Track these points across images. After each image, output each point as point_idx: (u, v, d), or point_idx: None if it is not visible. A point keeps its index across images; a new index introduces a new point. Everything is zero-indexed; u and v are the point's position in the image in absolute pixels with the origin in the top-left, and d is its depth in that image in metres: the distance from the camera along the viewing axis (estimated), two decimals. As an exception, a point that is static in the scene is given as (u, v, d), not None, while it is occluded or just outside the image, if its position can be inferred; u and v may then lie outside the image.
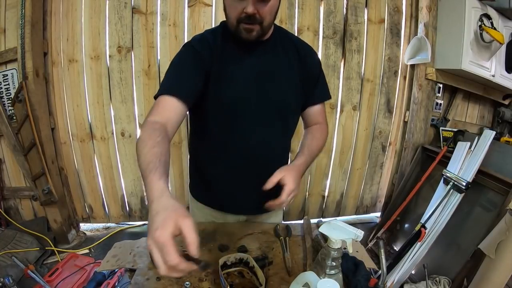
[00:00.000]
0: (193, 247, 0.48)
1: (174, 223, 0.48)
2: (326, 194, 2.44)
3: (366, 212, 2.60)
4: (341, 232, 0.66)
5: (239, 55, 0.88)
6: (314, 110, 1.01)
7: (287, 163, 1.06)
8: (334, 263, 0.66)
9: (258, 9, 0.76)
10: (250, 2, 0.74)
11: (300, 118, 1.06)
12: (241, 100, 0.88)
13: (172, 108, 0.78)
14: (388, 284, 1.66)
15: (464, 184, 1.60)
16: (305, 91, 0.96)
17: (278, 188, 0.82)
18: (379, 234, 2.02)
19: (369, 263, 0.86)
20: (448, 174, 1.71)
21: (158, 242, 0.47)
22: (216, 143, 0.95)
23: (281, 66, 0.92)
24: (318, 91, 0.99)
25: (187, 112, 0.86)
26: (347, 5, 2.06)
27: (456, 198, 1.65)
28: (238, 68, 0.87)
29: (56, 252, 1.96)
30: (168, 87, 0.81)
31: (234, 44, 0.87)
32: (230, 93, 0.87)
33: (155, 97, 0.80)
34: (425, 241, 1.65)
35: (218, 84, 0.86)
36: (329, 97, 1.04)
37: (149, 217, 0.52)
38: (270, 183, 0.79)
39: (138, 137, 0.71)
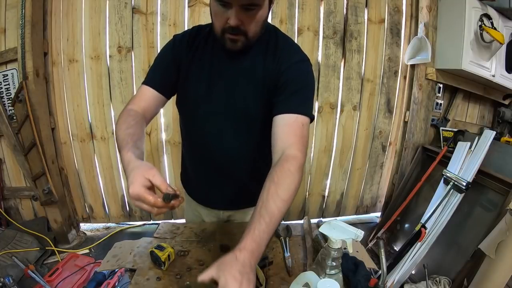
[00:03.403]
0: (164, 186, 0.59)
1: (142, 176, 0.58)
2: (326, 194, 2.44)
3: (366, 212, 2.60)
4: (341, 232, 0.66)
5: (217, 56, 0.86)
6: (284, 126, 0.76)
7: (264, 167, 0.79)
8: (334, 263, 0.66)
9: (242, 20, 0.72)
10: (234, 14, 0.70)
11: None
12: (202, 101, 0.87)
13: (147, 97, 0.86)
14: (388, 284, 1.65)
15: (464, 184, 1.60)
16: (272, 97, 0.83)
17: (251, 188, 0.84)
18: (379, 234, 2.02)
19: (369, 263, 0.86)
20: (448, 174, 1.71)
21: (134, 196, 0.57)
22: (186, 139, 1.02)
23: (254, 71, 0.84)
24: (292, 100, 0.79)
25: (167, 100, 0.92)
26: (347, 5, 2.06)
27: (456, 198, 1.65)
28: (207, 68, 0.86)
29: (56, 252, 1.96)
30: (148, 77, 0.89)
31: (216, 43, 0.85)
32: (192, 92, 0.88)
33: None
34: (425, 241, 1.65)
35: (186, 81, 0.88)
36: (307, 112, 0.78)
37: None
38: (200, 278, 0.55)
39: (116, 123, 0.81)
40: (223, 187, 1.00)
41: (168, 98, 0.90)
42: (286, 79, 0.81)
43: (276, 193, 0.64)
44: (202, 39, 0.88)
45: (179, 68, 0.87)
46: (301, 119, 0.77)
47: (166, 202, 0.58)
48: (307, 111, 0.79)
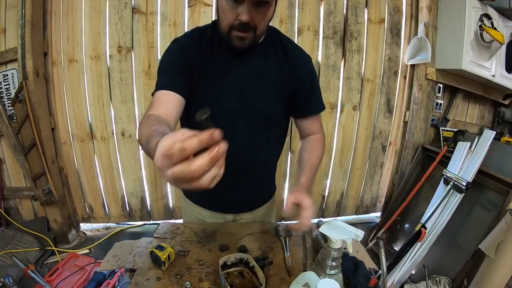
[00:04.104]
0: (195, 138, 0.36)
1: (168, 138, 0.40)
2: (326, 194, 2.44)
3: (366, 212, 2.60)
4: (341, 232, 0.66)
5: (225, 57, 0.86)
6: (309, 122, 0.99)
7: (274, 166, 1.11)
8: (334, 263, 0.66)
9: (253, 17, 0.72)
10: (245, 9, 0.71)
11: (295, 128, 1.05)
12: (221, 104, 0.86)
13: (165, 101, 0.78)
14: (388, 284, 1.65)
15: (464, 184, 1.60)
16: (292, 100, 0.93)
17: (259, 185, 1.01)
18: (379, 234, 2.02)
19: (369, 263, 0.86)
20: (448, 174, 1.71)
21: (164, 156, 0.37)
22: None
23: (268, 72, 0.88)
24: (312, 103, 0.96)
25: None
26: (347, 5, 2.06)
27: (456, 198, 1.65)
28: (221, 70, 0.86)
29: (56, 252, 1.96)
30: (159, 83, 0.82)
31: (222, 45, 0.85)
32: (206, 93, 0.86)
33: (152, 95, 0.82)
34: (425, 241, 1.65)
35: (199, 83, 0.86)
36: (322, 108, 0.99)
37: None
38: (287, 208, 0.78)
39: (137, 133, 0.70)
40: (235, 189, 0.96)
41: (185, 99, 0.83)
42: (302, 81, 0.92)
43: (314, 149, 0.96)
44: (208, 40, 0.87)
45: (192, 70, 0.84)
46: (320, 114, 1.01)
47: (204, 123, 0.39)
48: (323, 105, 1.00)
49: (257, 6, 0.72)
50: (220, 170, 0.40)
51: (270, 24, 0.85)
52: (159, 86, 0.81)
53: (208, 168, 0.37)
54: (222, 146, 0.38)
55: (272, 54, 0.89)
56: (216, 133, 0.37)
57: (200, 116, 0.39)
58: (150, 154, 0.54)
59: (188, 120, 0.90)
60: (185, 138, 0.36)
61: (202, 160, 0.36)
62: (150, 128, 0.61)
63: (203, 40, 0.86)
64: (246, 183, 1.00)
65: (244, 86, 0.87)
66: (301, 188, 0.83)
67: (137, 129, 0.75)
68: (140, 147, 2.12)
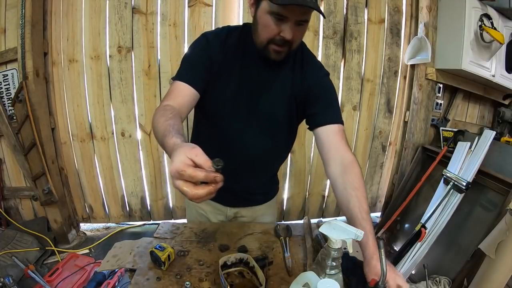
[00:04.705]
0: (207, 164, 0.51)
1: (184, 155, 0.51)
2: (326, 194, 2.44)
3: (366, 212, 2.60)
4: (341, 232, 0.66)
5: (243, 61, 0.89)
6: (326, 133, 0.89)
7: (277, 168, 1.15)
8: (334, 263, 0.66)
9: (294, 34, 0.76)
10: (289, 27, 0.74)
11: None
12: (231, 102, 0.91)
13: (184, 93, 0.84)
14: (388, 284, 1.65)
15: (464, 184, 1.60)
16: (304, 108, 0.92)
17: (265, 188, 1.07)
18: (379, 234, 2.01)
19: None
20: (448, 174, 1.71)
21: (173, 172, 0.50)
22: (202, 137, 1.02)
23: (280, 78, 0.91)
24: (326, 112, 0.89)
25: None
26: (347, 5, 2.06)
27: (456, 198, 1.64)
28: (237, 71, 0.89)
29: (56, 252, 1.96)
30: (180, 73, 0.87)
31: (247, 50, 0.88)
32: (221, 92, 0.90)
33: (173, 79, 0.88)
34: (425, 241, 1.65)
35: (216, 80, 0.89)
36: (340, 122, 0.90)
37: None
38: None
39: (152, 119, 0.76)
40: (238, 184, 1.01)
41: (201, 95, 0.88)
42: (318, 91, 0.90)
43: (363, 196, 0.77)
44: (234, 41, 0.90)
45: (212, 67, 0.88)
46: (342, 127, 0.90)
47: (215, 169, 0.51)
48: (342, 120, 0.92)
49: (298, 25, 0.76)
50: (212, 195, 0.52)
51: None
52: (181, 77, 0.86)
53: (207, 196, 0.51)
54: (219, 185, 0.52)
55: (289, 66, 0.92)
56: (219, 178, 0.51)
57: (215, 165, 0.51)
58: (163, 147, 0.65)
59: (200, 109, 0.97)
60: (196, 169, 0.49)
61: (203, 191, 0.50)
62: (166, 122, 0.70)
63: (230, 40, 0.90)
64: (249, 181, 1.05)
65: (256, 91, 0.91)
66: (394, 271, 0.68)
67: (153, 116, 0.77)
68: (139, 147, 2.12)
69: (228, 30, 0.92)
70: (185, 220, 1.23)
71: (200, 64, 0.87)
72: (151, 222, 2.35)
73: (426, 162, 2.17)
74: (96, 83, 1.97)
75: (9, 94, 1.85)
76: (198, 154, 0.51)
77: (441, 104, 2.27)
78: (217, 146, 0.97)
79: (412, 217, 2.08)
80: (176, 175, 0.50)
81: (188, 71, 0.87)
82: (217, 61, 0.88)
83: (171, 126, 0.67)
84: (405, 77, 2.26)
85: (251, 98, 0.91)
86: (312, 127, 0.92)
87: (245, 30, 0.90)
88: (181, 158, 0.50)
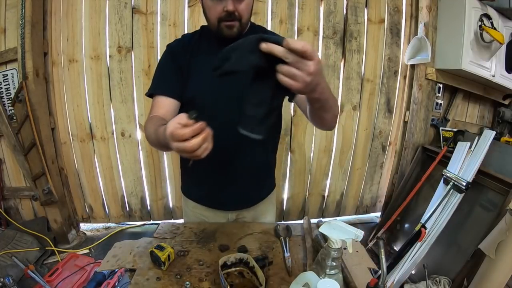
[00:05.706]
0: (188, 121, 0.57)
1: (172, 122, 0.59)
2: (326, 194, 2.44)
3: (366, 212, 2.60)
4: (341, 232, 0.66)
5: (210, 52, 0.90)
6: (300, 98, 0.90)
7: (271, 155, 1.13)
8: (334, 263, 0.66)
9: (236, 7, 0.83)
10: (229, 0, 0.81)
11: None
12: (201, 94, 0.93)
13: (164, 105, 0.91)
14: (388, 284, 1.65)
15: (464, 184, 1.60)
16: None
17: (260, 181, 1.04)
18: (379, 234, 2.01)
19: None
20: (448, 174, 1.71)
21: (169, 134, 0.58)
22: None
23: None
24: None
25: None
26: (347, 5, 2.06)
27: (456, 198, 1.64)
28: (205, 63, 0.92)
29: (56, 252, 1.96)
30: (155, 87, 0.95)
31: (209, 41, 0.95)
32: (193, 86, 0.93)
33: (146, 95, 0.97)
34: (425, 241, 1.65)
35: (188, 79, 0.94)
36: None
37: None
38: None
39: (144, 131, 0.86)
40: (232, 183, 1.01)
41: (180, 101, 0.94)
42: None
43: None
44: (196, 41, 0.97)
45: (181, 70, 0.94)
46: None
47: (194, 119, 0.58)
48: None
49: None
50: (209, 144, 0.59)
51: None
52: (157, 90, 0.93)
53: (201, 143, 0.57)
54: (208, 130, 0.59)
55: None
56: (203, 125, 0.58)
57: (190, 117, 0.58)
58: (158, 140, 0.74)
59: (183, 109, 0.99)
60: (184, 128, 0.56)
61: (196, 140, 0.57)
62: (155, 125, 0.79)
63: (192, 41, 0.97)
64: (242, 175, 1.03)
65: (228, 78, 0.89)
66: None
67: (144, 128, 0.89)
68: (139, 147, 2.12)
69: (188, 34, 1.01)
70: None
71: (169, 73, 0.94)
72: (151, 222, 2.35)
73: (426, 162, 2.17)
74: (96, 83, 1.97)
75: (9, 94, 1.85)
76: (179, 116, 0.60)
77: (441, 104, 2.27)
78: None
79: (412, 217, 2.08)
80: (171, 138, 0.58)
81: (159, 83, 0.95)
82: (185, 63, 0.94)
83: (160, 125, 0.76)
84: (405, 77, 2.26)
85: (227, 85, 0.87)
86: (290, 99, 0.93)
87: (205, 29, 0.98)
88: (171, 124, 0.59)
